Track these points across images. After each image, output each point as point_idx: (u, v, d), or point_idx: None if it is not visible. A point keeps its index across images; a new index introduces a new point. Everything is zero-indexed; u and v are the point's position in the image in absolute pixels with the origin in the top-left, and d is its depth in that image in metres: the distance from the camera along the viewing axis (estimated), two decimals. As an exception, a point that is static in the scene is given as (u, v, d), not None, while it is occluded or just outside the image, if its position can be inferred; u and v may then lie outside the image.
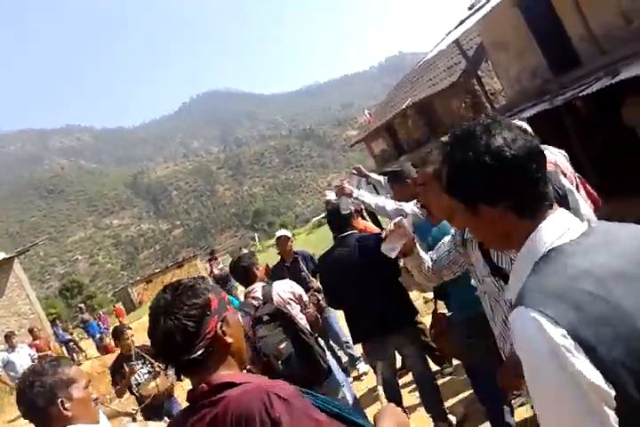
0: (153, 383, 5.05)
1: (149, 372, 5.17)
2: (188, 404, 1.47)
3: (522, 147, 1.11)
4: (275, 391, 1.35)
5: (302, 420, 1.33)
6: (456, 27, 14.47)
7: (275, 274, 5.73)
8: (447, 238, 2.60)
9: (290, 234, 6.54)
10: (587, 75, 8.53)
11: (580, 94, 7.80)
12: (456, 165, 1.18)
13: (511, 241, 1.17)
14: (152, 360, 5.15)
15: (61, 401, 1.91)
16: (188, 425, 1.40)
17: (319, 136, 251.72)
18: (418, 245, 2.57)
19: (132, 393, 5.22)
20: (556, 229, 1.10)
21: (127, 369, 5.08)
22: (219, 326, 1.45)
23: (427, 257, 2.59)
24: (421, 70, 20.69)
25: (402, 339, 3.98)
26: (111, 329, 6.36)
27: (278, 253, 6.33)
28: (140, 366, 5.18)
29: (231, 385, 1.39)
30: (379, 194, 5.31)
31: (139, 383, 5.09)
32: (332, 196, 6.57)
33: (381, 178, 5.21)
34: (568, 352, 0.93)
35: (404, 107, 19.04)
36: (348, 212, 4.06)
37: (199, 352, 1.40)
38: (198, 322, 1.42)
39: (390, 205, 3.82)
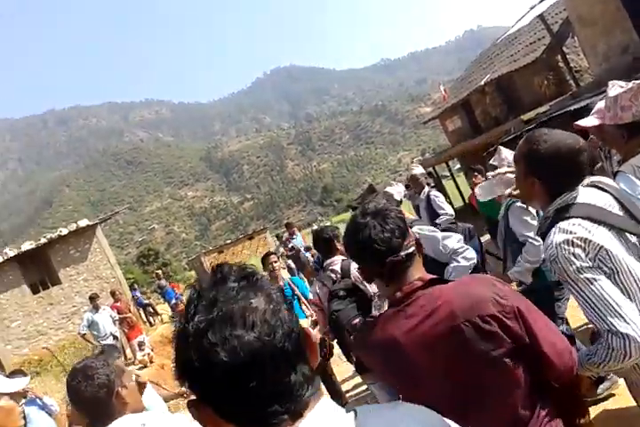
0: None
1: None
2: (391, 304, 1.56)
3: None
4: (498, 281, 1.51)
5: (529, 304, 1.48)
6: (540, 0, 13.82)
7: None
8: None
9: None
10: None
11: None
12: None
13: None
14: None
15: (117, 391, 1.95)
16: (408, 315, 1.47)
17: (391, 112, 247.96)
18: None
19: None
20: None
21: None
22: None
23: None
24: (502, 45, 19.89)
25: None
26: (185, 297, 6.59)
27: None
28: None
29: (441, 281, 1.53)
30: None
31: None
32: (419, 170, 6.51)
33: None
34: None
35: (482, 83, 18.43)
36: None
37: (411, 249, 1.53)
38: (405, 224, 1.58)
39: None
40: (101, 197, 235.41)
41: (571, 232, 1.68)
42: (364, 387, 5.30)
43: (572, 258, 1.64)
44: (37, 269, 16.40)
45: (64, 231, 16.60)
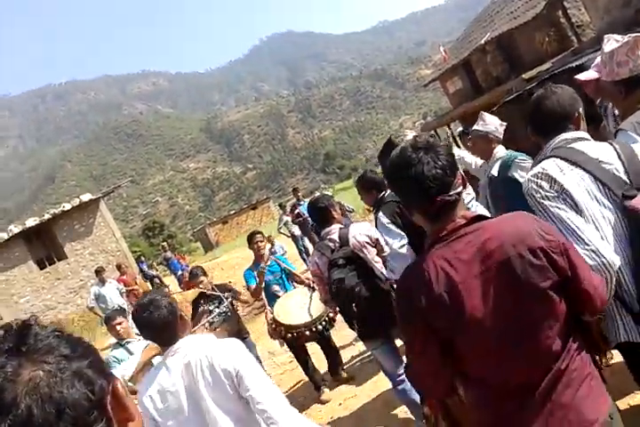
0: (225, 324, 5.17)
1: (224, 312, 5.22)
2: (434, 241, 1.55)
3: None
4: (539, 219, 1.62)
5: (567, 241, 1.56)
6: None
7: None
8: None
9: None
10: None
11: (680, 23, 7.12)
12: None
13: None
14: (225, 299, 5.24)
15: (181, 315, 2.37)
16: (455, 251, 1.49)
17: (391, 76, 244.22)
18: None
19: None
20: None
21: (200, 310, 5.22)
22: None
23: None
24: (501, 2, 19.39)
25: None
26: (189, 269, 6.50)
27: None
28: (213, 307, 5.24)
29: (484, 218, 1.55)
30: None
31: (211, 323, 5.15)
32: (410, 136, 6.40)
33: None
34: None
35: (482, 42, 18.04)
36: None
37: (459, 189, 1.53)
38: (455, 165, 1.55)
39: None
40: (103, 171, 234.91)
41: (543, 168, 1.92)
42: (368, 353, 5.34)
43: (538, 188, 1.87)
44: (43, 245, 16.51)
45: (67, 206, 16.65)
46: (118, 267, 12.13)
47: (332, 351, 5.37)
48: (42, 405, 0.71)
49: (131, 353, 4.38)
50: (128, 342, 4.56)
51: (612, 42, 2.43)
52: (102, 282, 10.70)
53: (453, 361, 1.53)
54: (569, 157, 1.91)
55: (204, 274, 5.49)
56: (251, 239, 5.44)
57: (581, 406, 1.45)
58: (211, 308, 5.27)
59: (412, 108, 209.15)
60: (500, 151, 3.83)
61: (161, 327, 2.29)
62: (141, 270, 16.93)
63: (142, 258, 19.77)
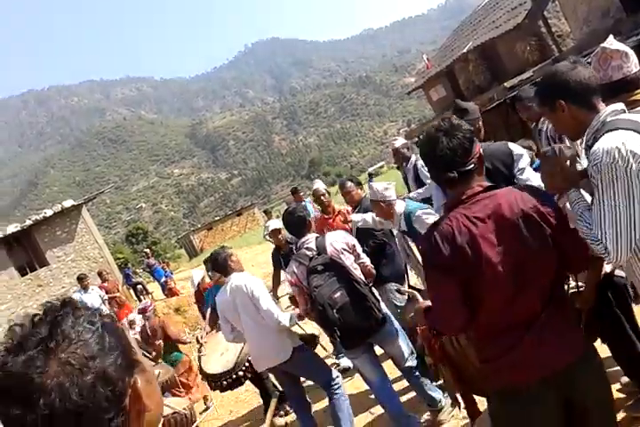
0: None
1: None
2: (452, 206, 1.90)
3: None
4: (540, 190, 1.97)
5: (559, 209, 1.88)
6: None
7: (273, 259, 5.91)
8: None
9: (280, 225, 5.82)
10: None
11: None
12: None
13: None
14: None
15: (231, 260, 4.31)
16: (474, 211, 1.82)
17: (375, 84, 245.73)
18: None
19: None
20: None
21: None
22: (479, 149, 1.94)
23: None
24: (484, 12, 19.65)
25: None
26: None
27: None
28: None
29: (496, 188, 1.91)
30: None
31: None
32: (399, 142, 6.42)
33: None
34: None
35: (464, 51, 18.25)
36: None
37: (472, 166, 1.87)
38: (471, 143, 1.89)
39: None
40: (87, 177, 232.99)
41: (621, 142, 1.79)
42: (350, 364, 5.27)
43: (613, 167, 1.77)
44: (24, 252, 16.30)
45: (49, 213, 16.46)
46: (100, 274, 12.03)
47: (266, 397, 5.18)
48: (62, 404, 0.76)
49: None
50: None
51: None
52: (85, 289, 10.60)
53: (469, 300, 1.83)
54: (636, 128, 1.84)
55: None
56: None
57: (567, 334, 1.82)
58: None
59: (396, 116, 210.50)
60: (399, 207, 3.87)
61: (221, 265, 4.31)
62: (127, 276, 16.82)
63: (129, 264, 19.64)
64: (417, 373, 3.76)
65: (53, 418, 0.76)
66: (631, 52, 2.33)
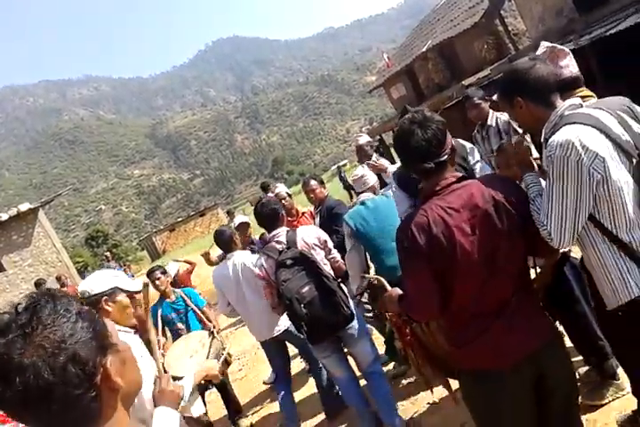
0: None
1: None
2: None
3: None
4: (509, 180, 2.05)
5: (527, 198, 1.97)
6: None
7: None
8: None
9: (247, 219, 6.27)
10: (615, 12, 8.13)
11: (608, 33, 7.45)
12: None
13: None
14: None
15: (235, 236, 4.55)
16: (448, 201, 1.86)
17: (337, 82, 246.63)
18: None
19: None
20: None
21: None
22: (452, 141, 1.98)
23: None
24: (442, 11, 19.90)
25: None
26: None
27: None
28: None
29: (467, 178, 1.97)
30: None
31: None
32: (364, 139, 6.38)
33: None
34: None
35: (423, 50, 18.44)
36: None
37: (445, 156, 1.91)
38: (444, 134, 1.92)
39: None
40: (44, 179, 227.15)
41: (576, 136, 1.82)
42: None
43: (566, 160, 1.82)
44: (-22, 257, 15.77)
45: (4, 217, 15.96)
46: (58, 278, 11.72)
47: (229, 400, 5.19)
48: (35, 381, 0.86)
49: None
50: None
51: (542, 48, 2.53)
52: (42, 295, 10.31)
53: (443, 288, 1.87)
54: (593, 123, 1.87)
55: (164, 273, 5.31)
56: (150, 276, 5.09)
57: (535, 319, 1.92)
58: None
59: (358, 114, 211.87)
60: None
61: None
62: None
63: (88, 269, 19.19)
64: (381, 382, 3.72)
65: (27, 393, 0.86)
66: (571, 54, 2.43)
